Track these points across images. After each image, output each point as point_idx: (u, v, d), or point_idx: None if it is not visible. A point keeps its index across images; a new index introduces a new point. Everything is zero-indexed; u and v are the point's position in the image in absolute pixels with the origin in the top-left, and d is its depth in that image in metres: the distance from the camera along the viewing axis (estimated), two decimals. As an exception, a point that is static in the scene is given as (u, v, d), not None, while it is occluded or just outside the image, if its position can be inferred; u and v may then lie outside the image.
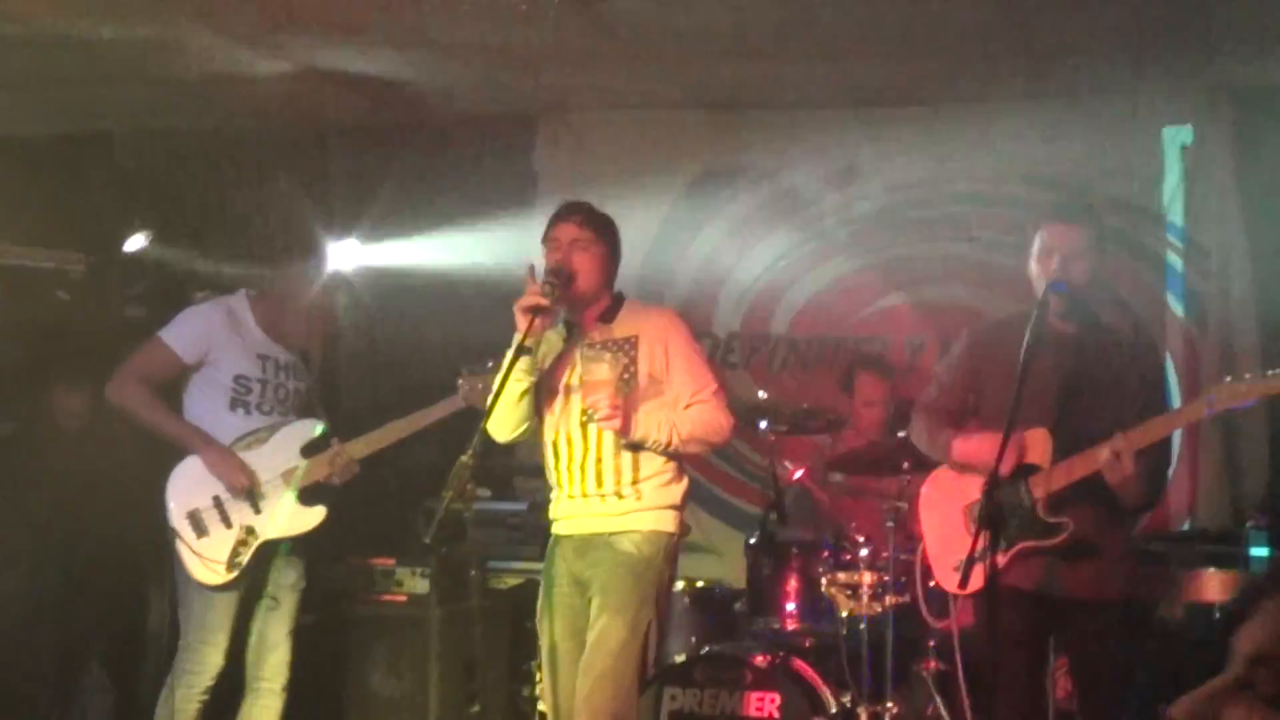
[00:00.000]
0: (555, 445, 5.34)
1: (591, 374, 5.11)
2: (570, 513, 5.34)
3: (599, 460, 5.23)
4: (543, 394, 5.31)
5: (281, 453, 6.15)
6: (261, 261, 6.52)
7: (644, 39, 7.42)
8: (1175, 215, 7.86)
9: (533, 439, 5.44)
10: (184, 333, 6.19)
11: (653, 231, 8.61)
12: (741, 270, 8.60)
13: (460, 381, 6.01)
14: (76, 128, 9.10)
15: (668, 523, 5.26)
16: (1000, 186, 8.11)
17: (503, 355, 5.15)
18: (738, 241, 8.62)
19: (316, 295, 6.41)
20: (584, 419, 5.20)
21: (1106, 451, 4.83)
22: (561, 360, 5.33)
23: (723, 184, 8.66)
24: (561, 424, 5.31)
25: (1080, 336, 5.15)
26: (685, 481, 5.35)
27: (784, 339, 8.53)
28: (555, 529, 5.43)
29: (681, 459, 5.32)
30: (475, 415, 5.13)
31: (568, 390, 5.29)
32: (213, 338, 6.17)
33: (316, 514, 6.18)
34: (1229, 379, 4.83)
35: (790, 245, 8.51)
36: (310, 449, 6.19)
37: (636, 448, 5.19)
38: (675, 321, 5.41)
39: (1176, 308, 7.85)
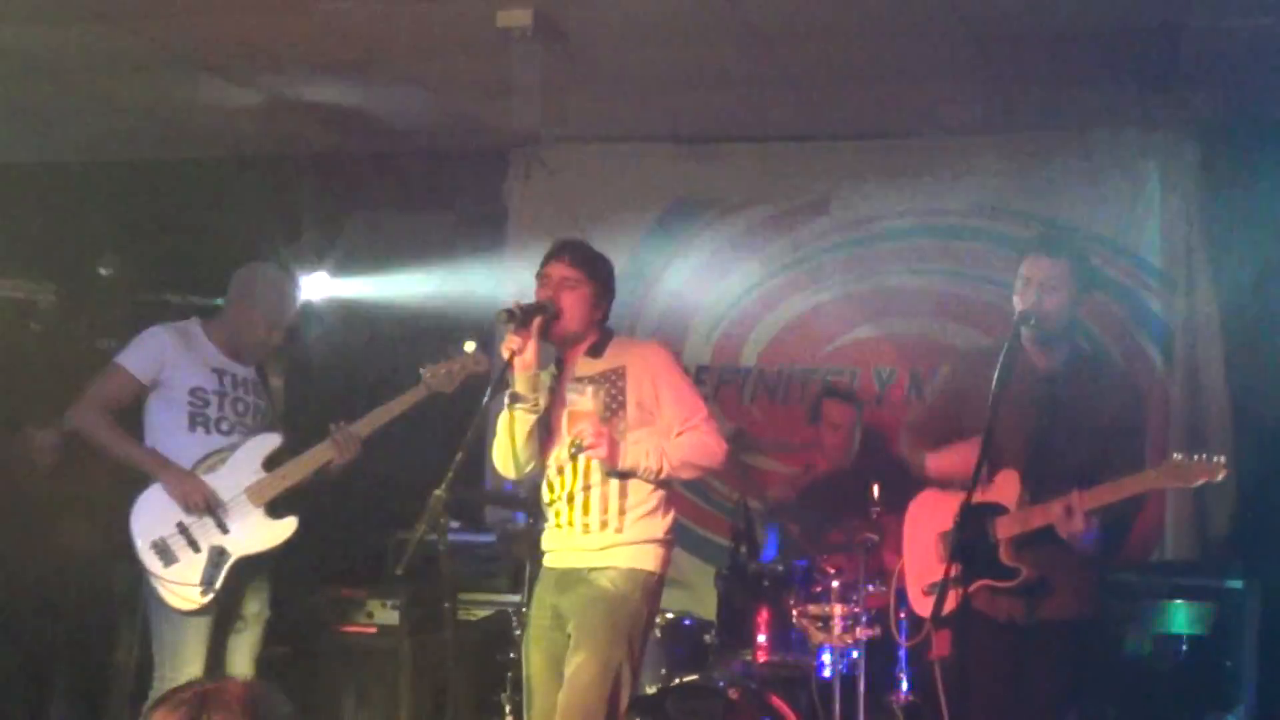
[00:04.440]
0: (550, 479, 5.39)
1: (575, 405, 5.17)
2: (556, 545, 5.38)
3: (587, 488, 5.26)
4: (542, 432, 5.35)
5: (243, 469, 6.10)
6: (217, 284, 6.51)
7: (615, 72, 7.44)
8: (1143, 249, 7.89)
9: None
10: (137, 353, 6.19)
11: (623, 264, 8.39)
12: (712, 303, 8.60)
13: (422, 371, 5.97)
14: (47, 156, 9.08)
15: (648, 560, 5.28)
16: (971, 220, 8.14)
17: (462, 345, 5.36)
18: (708, 274, 8.62)
19: (273, 316, 6.34)
20: (571, 450, 5.22)
21: (1059, 507, 4.89)
22: (554, 397, 5.36)
23: (693, 216, 8.67)
24: (555, 457, 5.35)
25: (1058, 371, 5.19)
26: (671, 515, 5.37)
27: (754, 371, 8.52)
28: (544, 561, 5.46)
29: (672, 485, 5.37)
30: (445, 437, 5.12)
31: (560, 425, 5.31)
32: (166, 354, 6.17)
33: (287, 526, 6.11)
34: (1178, 456, 4.83)
35: (761, 277, 8.52)
36: (271, 462, 6.14)
37: (626, 476, 5.23)
38: (662, 352, 5.46)
39: (1144, 342, 7.88)
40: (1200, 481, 4.79)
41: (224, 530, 6.03)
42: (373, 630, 7.29)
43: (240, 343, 6.33)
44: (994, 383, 4.84)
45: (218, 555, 6.00)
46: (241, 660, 6.19)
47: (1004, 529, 5.07)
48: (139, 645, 6.37)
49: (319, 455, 6.12)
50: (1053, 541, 4.99)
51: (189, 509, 5.99)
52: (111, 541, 6.29)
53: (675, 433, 5.28)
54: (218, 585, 5.98)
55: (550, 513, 5.41)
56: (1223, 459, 4.77)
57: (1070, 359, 5.24)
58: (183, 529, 6.00)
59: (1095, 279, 5.60)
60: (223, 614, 6.11)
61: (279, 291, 6.39)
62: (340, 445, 6.09)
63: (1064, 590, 5.11)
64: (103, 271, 8.13)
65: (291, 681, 6.89)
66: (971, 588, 5.05)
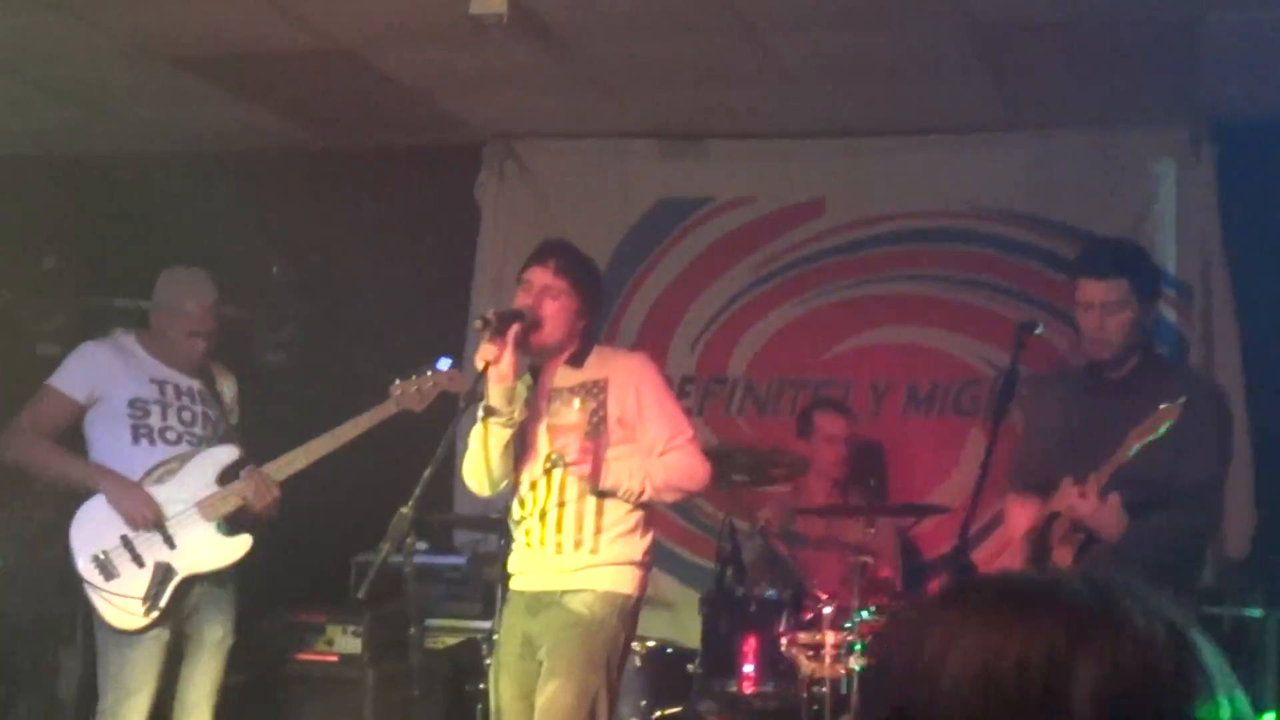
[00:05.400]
0: (521, 495, 5.23)
1: (559, 417, 5.03)
2: (525, 567, 5.22)
3: (561, 505, 5.11)
4: (517, 446, 5.18)
5: (194, 482, 5.99)
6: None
7: (596, 63, 7.29)
8: (1157, 255, 7.59)
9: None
10: (70, 372, 6.15)
11: (603, 267, 8.27)
12: (697, 309, 8.34)
13: (393, 387, 5.81)
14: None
15: (625, 582, 5.11)
16: (975, 223, 7.94)
17: (437, 361, 5.41)
18: (693, 278, 8.36)
19: (190, 324, 6.18)
20: (548, 465, 5.08)
21: (1075, 491, 4.91)
22: (531, 410, 5.20)
23: (678, 217, 8.41)
24: (529, 472, 5.20)
25: (1122, 380, 5.19)
26: (650, 536, 5.22)
27: (741, 381, 8.27)
28: (511, 584, 5.31)
29: (653, 507, 5.25)
30: (413, 451, 4.95)
31: (535, 439, 5.18)
32: (99, 370, 6.10)
33: (240, 544, 5.99)
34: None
35: (750, 283, 8.26)
36: (226, 476, 6.02)
37: (605, 495, 5.06)
38: (647, 365, 5.32)
39: (1160, 347, 7.61)
40: (1165, 422, 4.71)
41: (170, 545, 5.89)
42: (333, 658, 7.12)
43: (169, 352, 6.19)
44: (1001, 396, 5.10)
45: (163, 572, 5.86)
46: (200, 691, 6.05)
47: (1055, 532, 5.09)
48: (86, 677, 6.29)
49: (239, 491, 5.99)
50: (1099, 544, 4.99)
51: (133, 522, 5.85)
52: (54, 565, 6.26)
53: (658, 452, 5.12)
54: (162, 603, 5.83)
55: (520, 531, 5.25)
56: (1174, 402, 4.73)
57: (1137, 367, 5.23)
58: (126, 542, 5.88)
59: (1156, 284, 5.56)
60: (175, 640, 5.96)
61: (196, 298, 6.21)
62: (257, 488, 5.97)
63: None
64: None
65: (247, 713, 6.73)
66: None
